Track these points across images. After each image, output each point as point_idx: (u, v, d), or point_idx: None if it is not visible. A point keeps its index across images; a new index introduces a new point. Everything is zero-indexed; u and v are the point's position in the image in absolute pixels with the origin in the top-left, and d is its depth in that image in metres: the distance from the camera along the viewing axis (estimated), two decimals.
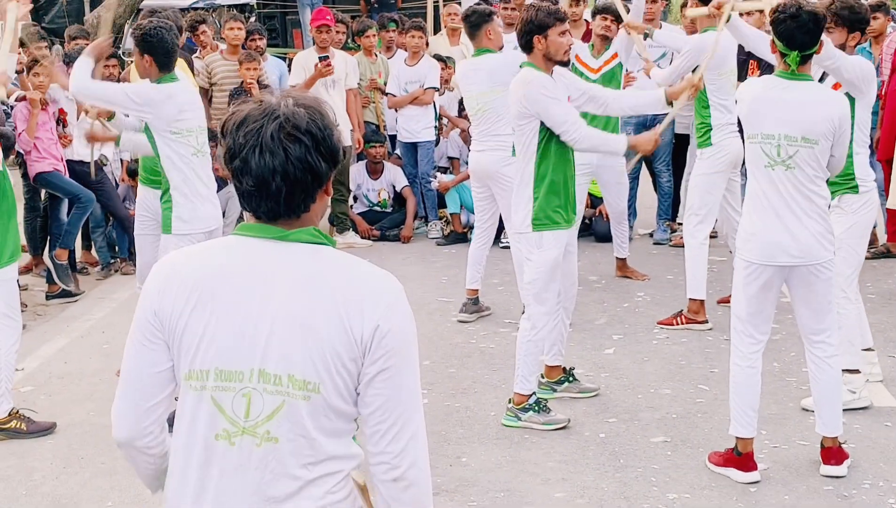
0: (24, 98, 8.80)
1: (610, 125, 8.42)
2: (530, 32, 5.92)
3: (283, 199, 2.32)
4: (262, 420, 2.32)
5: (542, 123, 5.90)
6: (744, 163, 7.83)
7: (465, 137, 10.97)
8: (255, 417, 2.32)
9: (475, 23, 7.68)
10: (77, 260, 9.69)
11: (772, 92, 5.15)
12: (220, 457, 2.34)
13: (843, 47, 5.76)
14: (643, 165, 10.44)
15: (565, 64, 6.11)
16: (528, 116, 5.91)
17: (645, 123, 10.02)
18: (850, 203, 5.84)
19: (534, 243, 6.00)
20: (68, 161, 9.16)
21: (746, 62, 8.49)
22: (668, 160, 10.28)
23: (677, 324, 7.65)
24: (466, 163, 10.83)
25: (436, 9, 14.45)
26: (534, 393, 6.05)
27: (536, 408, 6.00)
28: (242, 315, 2.32)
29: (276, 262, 2.35)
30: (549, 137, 5.91)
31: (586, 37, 9.90)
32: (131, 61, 13.03)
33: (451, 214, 10.73)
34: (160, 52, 5.98)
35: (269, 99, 2.35)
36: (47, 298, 8.91)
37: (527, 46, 5.99)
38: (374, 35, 11.31)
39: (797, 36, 5.04)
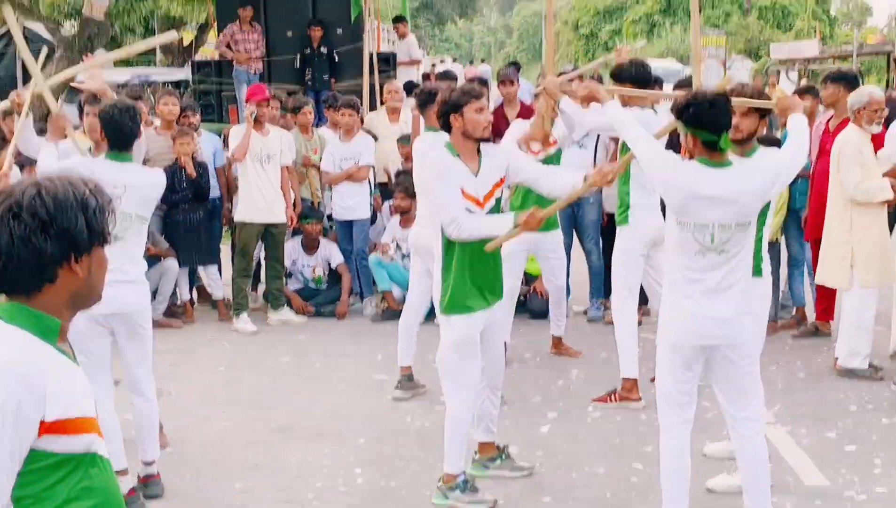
0: None
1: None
2: (446, 112, 5.95)
3: (5, 276, 2.44)
4: None
5: None
6: None
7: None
8: None
9: (422, 101, 7.76)
10: None
11: (704, 186, 5.10)
12: None
13: (753, 134, 5.91)
14: (574, 241, 10.53)
15: (486, 140, 6.09)
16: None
17: None
18: None
19: (443, 322, 5.99)
20: None
21: (677, 142, 8.60)
22: (596, 238, 10.39)
23: (611, 401, 7.68)
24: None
25: (372, 86, 14.59)
26: (462, 472, 6.01)
27: (463, 487, 5.96)
28: None
29: None
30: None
31: (521, 114, 10.02)
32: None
33: (382, 291, 10.72)
34: (109, 130, 6.07)
35: (26, 181, 2.49)
36: None
37: (445, 126, 6.02)
38: (310, 112, 11.40)
39: (720, 118, 5.11)
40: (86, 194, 2.48)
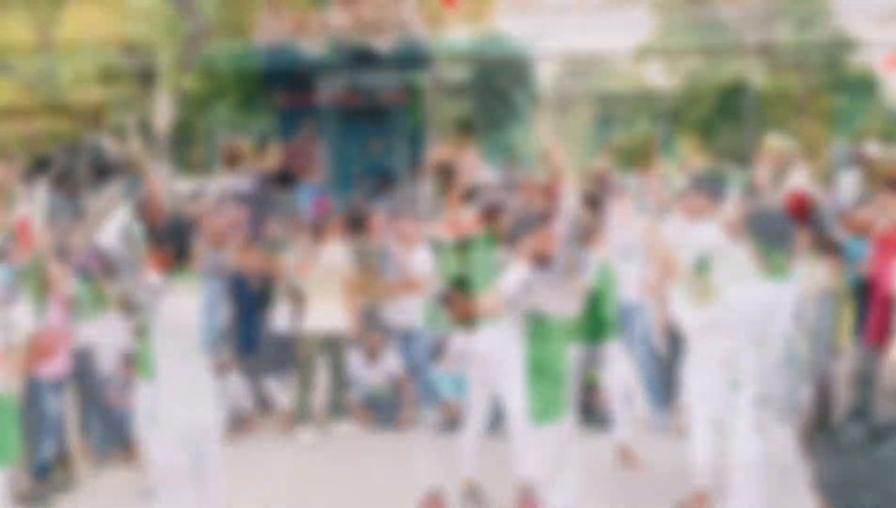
0: None
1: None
2: None
3: None
4: None
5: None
6: None
7: None
8: None
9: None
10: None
11: None
12: None
13: None
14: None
15: None
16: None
17: None
18: None
19: (532, 432, 5.95)
20: None
21: None
22: (645, 349, 10.24)
23: None
24: None
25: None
26: None
27: None
28: None
29: None
30: (537, 323, 5.94)
31: None
32: None
33: (444, 401, 10.63)
34: (176, 245, 5.93)
35: None
36: None
37: None
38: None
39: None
40: None
